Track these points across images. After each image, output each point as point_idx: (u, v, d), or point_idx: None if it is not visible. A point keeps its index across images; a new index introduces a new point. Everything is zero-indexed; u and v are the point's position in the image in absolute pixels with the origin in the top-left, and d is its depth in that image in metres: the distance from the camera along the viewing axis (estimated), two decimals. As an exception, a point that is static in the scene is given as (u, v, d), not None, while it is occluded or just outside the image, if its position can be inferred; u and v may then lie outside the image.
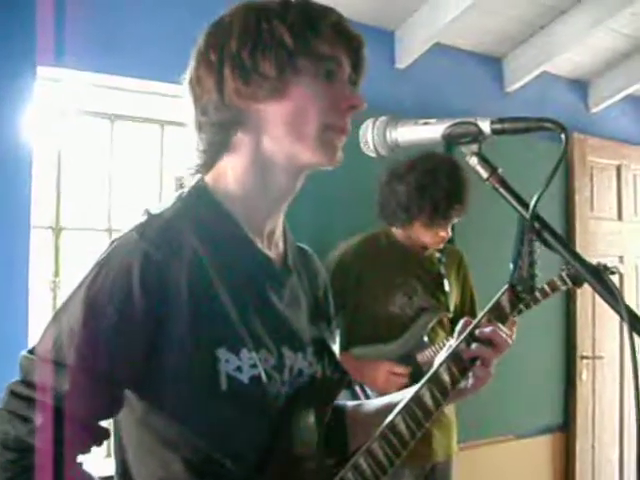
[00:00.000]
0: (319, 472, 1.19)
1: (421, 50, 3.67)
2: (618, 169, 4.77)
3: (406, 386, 1.80)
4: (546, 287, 2.58)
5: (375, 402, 1.43)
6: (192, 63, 1.20)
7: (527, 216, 0.98)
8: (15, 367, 1.07)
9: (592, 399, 4.46)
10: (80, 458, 1.07)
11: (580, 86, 4.67)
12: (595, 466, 4.45)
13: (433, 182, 2.56)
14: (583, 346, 4.42)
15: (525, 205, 1.00)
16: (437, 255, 2.78)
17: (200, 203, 1.18)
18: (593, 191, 4.60)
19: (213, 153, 1.20)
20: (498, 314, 1.28)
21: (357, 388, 2.59)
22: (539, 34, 3.94)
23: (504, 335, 1.26)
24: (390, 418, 1.24)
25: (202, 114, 1.17)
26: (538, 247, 1.17)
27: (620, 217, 4.76)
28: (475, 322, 1.29)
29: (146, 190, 3.35)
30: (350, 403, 1.46)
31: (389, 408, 1.28)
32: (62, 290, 3.02)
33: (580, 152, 4.46)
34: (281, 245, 1.27)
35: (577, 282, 2.51)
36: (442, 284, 2.74)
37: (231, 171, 1.19)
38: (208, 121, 1.17)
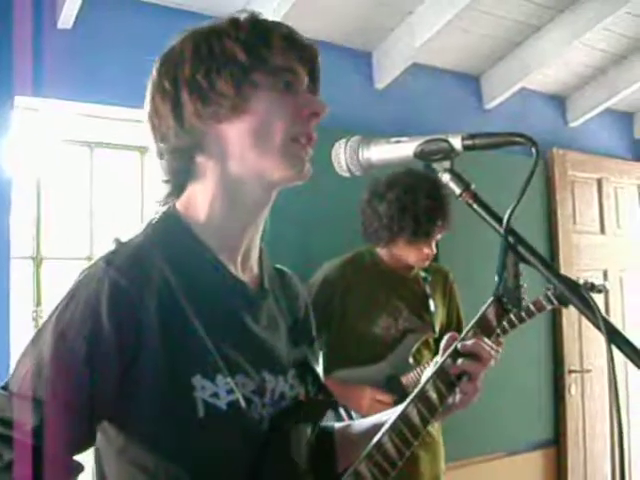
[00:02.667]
0: None
1: (399, 70, 3.70)
2: (599, 183, 4.80)
3: None
4: (532, 307, 2.58)
5: (363, 422, 1.41)
6: (148, 95, 1.20)
7: (501, 231, 0.98)
8: None
9: (582, 413, 4.46)
10: None
11: (558, 101, 4.71)
12: (587, 478, 4.44)
13: (414, 200, 2.55)
14: (571, 360, 4.42)
15: (499, 220, 1.00)
16: (422, 274, 2.75)
17: (170, 229, 1.16)
18: (575, 205, 4.62)
19: (178, 181, 1.19)
20: (484, 327, 1.25)
21: (341, 409, 2.57)
22: (515, 51, 3.98)
23: (488, 347, 1.25)
24: (377, 438, 1.21)
25: (162, 141, 1.16)
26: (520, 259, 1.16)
27: (603, 230, 4.78)
28: (461, 337, 1.27)
29: (127, 217, 3.33)
30: (338, 424, 1.43)
31: (377, 428, 1.25)
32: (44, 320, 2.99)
33: (561, 167, 4.48)
34: (256, 269, 1.25)
35: (563, 301, 2.48)
36: (427, 304, 2.71)
37: (200, 197, 1.17)
38: (168, 148, 1.16)
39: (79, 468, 1.06)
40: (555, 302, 2.53)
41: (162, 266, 1.08)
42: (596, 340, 4.38)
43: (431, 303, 2.72)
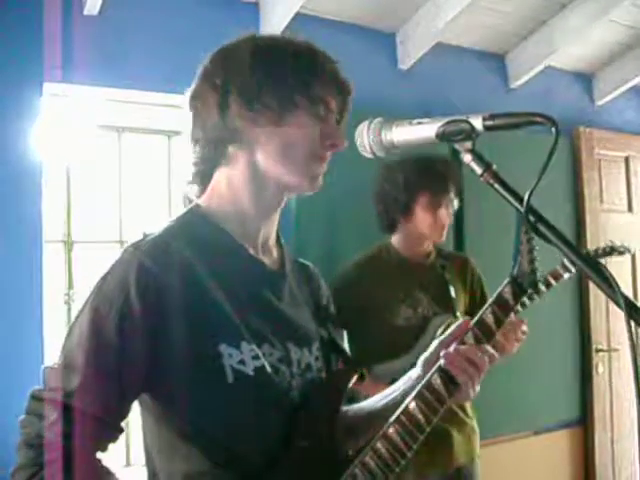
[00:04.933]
0: (335, 460, 1.24)
1: (423, 50, 3.68)
2: (626, 161, 4.75)
3: None
4: (549, 277, 2.58)
5: (364, 406, 1.45)
6: (197, 83, 1.29)
7: (521, 210, 0.99)
8: (33, 378, 1.16)
9: (609, 392, 4.44)
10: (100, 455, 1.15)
11: (584, 79, 4.66)
12: (615, 458, 4.43)
13: (430, 162, 2.61)
14: (598, 339, 4.40)
15: (520, 200, 1.02)
16: (440, 262, 2.77)
17: (192, 220, 1.28)
18: (602, 184, 4.58)
19: (207, 166, 1.30)
20: (502, 307, 1.29)
21: None
22: (541, 29, 3.94)
23: (481, 354, 1.28)
24: (403, 405, 1.27)
25: (201, 129, 1.27)
26: (537, 243, 1.21)
27: (630, 209, 4.74)
28: (478, 315, 1.31)
29: (155, 200, 3.38)
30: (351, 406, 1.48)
31: (373, 414, 1.36)
32: (76, 302, 3.05)
33: (587, 145, 4.45)
34: (275, 253, 1.36)
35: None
36: (447, 290, 2.70)
37: (226, 181, 1.29)
38: (205, 137, 1.27)
39: (118, 430, 1.16)
40: (572, 269, 2.53)
41: (184, 249, 1.19)
42: (624, 319, 4.36)
43: (451, 289, 2.72)
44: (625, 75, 4.48)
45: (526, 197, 1.00)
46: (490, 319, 1.30)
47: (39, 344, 2.67)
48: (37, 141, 2.77)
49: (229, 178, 1.28)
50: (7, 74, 2.69)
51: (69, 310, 3.04)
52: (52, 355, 2.82)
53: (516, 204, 1.01)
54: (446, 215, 2.67)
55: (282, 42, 1.30)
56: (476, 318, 1.31)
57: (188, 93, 1.31)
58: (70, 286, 3.08)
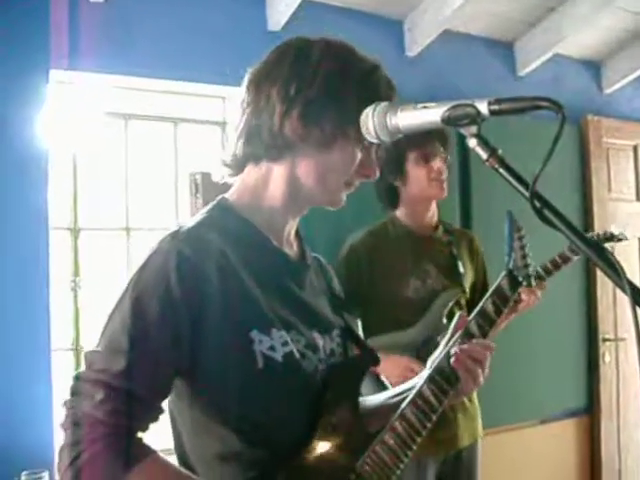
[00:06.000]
0: (359, 439, 1.30)
1: (430, 37, 3.67)
2: (635, 149, 4.73)
3: None
4: (557, 258, 2.59)
5: (374, 399, 1.52)
6: (264, 78, 1.29)
7: (527, 195, 0.99)
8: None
9: (616, 381, 4.44)
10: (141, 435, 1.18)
11: (593, 67, 4.64)
12: (621, 447, 4.44)
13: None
14: (605, 328, 4.40)
15: (526, 185, 1.00)
16: (447, 237, 2.77)
17: (222, 214, 1.32)
18: (610, 173, 4.57)
19: (247, 160, 1.34)
20: (500, 296, 1.44)
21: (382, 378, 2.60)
22: (549, 16, 3.92)
23: (480, 349, 1.37)
24: (417, 388, 1.36)
25: (255, 128, 1.29)
26: (527, 240, 1.30)
27: (638, 197, 4.73)
28: (479, 306, 1.42)
29: (162, 188, 3.38)
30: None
31: (386, 408, 1.42)
32: (82, 289, 3.06)
33: (595, 134, 4.43)
34: (296, 245, 1.41)
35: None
36: (455, 265, 2.72)
37: (262, 180, 1.32)
38: (256, 138, 1.29)
39: (159, 410, 1.20)
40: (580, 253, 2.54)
41: (217, 239, 1.24)
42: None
43: (459, 264, 2.73)
44: (634, 63, 4.46)
45: (531, 182, 0.99)
46: (491, 309, 1.42)
47: (46, 330, 2.68)
48: (43, 128, 2.77)
49: (265, 178, 1.32)
50: (14, 61, 2.69)
51: (75, 297, 3.05)
52: (59, 341, 2.85)
53: (522, 189, 1.00)
54: (440, 166, 2.66)
55: (353, 60, 1.30)
56: (478, 308, 1.42)
57: (248, 84, 1.31)
58: (76, 273, 3.09)
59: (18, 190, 2.71)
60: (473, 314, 1.43)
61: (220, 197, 1.36)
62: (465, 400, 2.67)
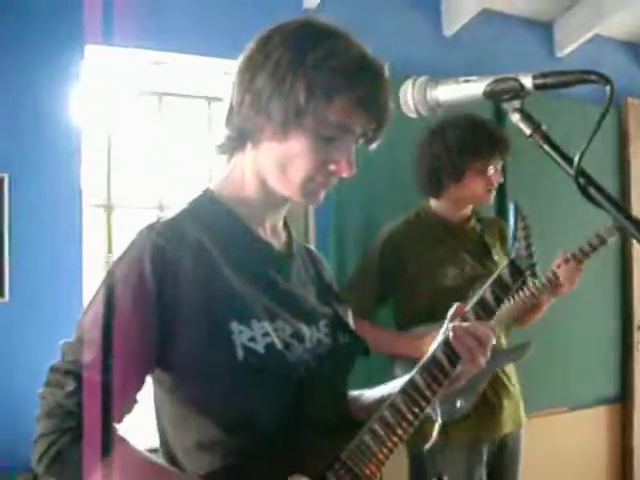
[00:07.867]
0: (346, 426, 1.28)
1: (468, 17, 3.61)
2: (675, 133, 4.63)
3: None
4: (594, 239, 2.55)
5: (373, 393, 1.48)
6: (238, 67, 1.26)
7: (572, 172, 0.96)
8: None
9: (650, 369, 4.37)
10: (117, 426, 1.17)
11: (634, 48, 4.53)
12: (654, 437, 4.38)
13: (484, 125, 2.59)
14: (640, 316, 4.33)
15: (570, 162, 0.98)
16: (479, 226, 2.76)
17: (204, 203, 1.30)
18: (650, 157, 4.48)
19: (224, 149, 1.32)
20: (501, 287, 1.40)
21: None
22: (589, -4, 3.84)
23: (483, 328, 1.34)
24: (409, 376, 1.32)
25: (226, 118, 1.27)
26: (532, 230, 1.44)
27: (678, 181, 4.63)
28: (479, 295, 1.39)
29: (195, 166, 3.38)
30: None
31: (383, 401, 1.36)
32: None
33: (635, 117, 4.33)
34: (283, 236, 1.39)
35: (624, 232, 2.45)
36: (490, 253, 2.71)
37: (239, 170, 1.30)
38: (227, 128, 1.28)
39: (132, 401, 1.20)
40: (617, 233, 2.51)
41: (196, 229, 1.23)
42: (668, 296, 4.28)
43: (493, 252, 2.72)
44: (677, 44, 4.35)
45: (576, 159, 0.96)
46: (490, 298, 1.39)
47: (79, 308, 2.70)
48: (78, 104, 2.78)
49: (241, 169, 1.30)
50: (49, 36, 2.70)
51: (109, 273, 3.07)
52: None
53: (566, 167, 0.97)
54: (497, 177, 2.65)
55: (310, 48, 1.19)
56: (477, 298, 1.40)
57: (245, 64, 1.25)
58: (110, 250, 3.10)
59: (52, 167, 2.73)
60: (472, 303, 1.40)
61: (205, 188, 1.34)
62: (509, 385, 2.66)
